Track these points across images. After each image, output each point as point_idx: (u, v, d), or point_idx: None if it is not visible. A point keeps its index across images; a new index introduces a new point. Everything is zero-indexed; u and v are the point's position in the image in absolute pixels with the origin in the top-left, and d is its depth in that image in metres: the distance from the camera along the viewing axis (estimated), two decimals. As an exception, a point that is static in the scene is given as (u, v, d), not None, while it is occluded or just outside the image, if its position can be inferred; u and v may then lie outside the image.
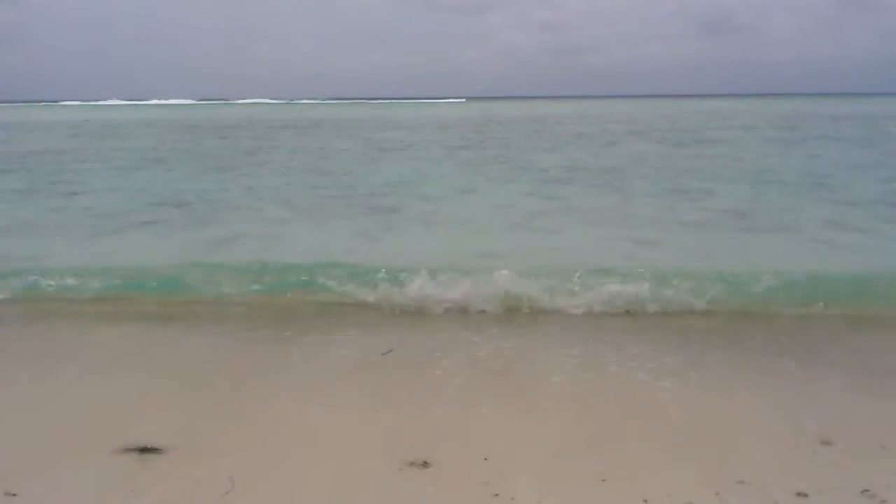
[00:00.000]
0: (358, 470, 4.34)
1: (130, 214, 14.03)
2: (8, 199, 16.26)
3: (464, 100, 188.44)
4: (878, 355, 6.43)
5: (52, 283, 8.27)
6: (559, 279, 8.02)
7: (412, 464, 4.38)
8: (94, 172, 21.67)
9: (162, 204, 15.31)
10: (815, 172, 19.11)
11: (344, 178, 19.36)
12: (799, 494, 4.00)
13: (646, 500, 3.96)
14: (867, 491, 4.03)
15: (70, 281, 8.36)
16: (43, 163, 24.38)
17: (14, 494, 4.04)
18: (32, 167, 22.97)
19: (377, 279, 8.01)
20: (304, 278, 8.44)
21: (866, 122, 44.94)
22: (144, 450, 4.56)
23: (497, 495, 4.02)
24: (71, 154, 27.96)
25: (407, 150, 28.46)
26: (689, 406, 5.25)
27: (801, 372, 5.99)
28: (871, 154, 24.05)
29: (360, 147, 30.49)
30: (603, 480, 4.19)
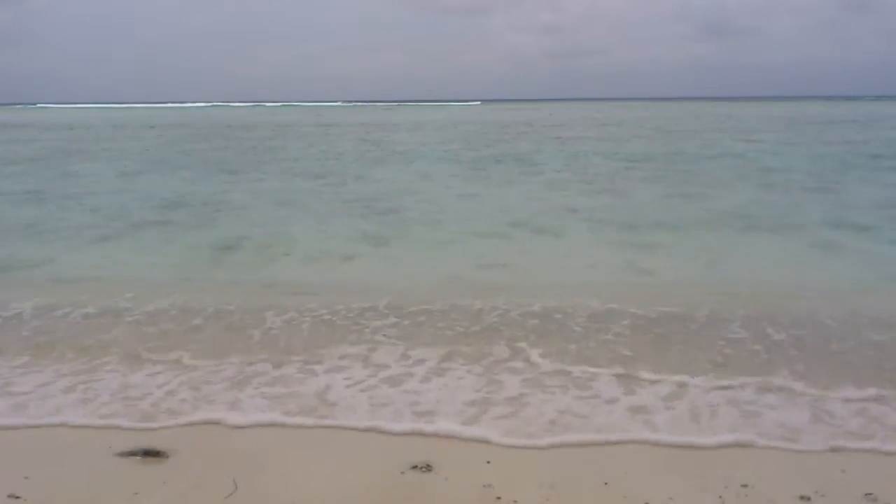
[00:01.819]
0: (361, 473, 4.33)
1: (138, 214, 14.11)
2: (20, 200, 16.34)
3: (479, 103, 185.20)
4: (883, 358, 6.41)
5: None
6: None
7: (415, 467, 4.38)
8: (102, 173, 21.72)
9: (168, 206, 15.34)
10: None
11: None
12: (802, 498, 4.00)
13: (647, 503, 3.96)
14: (870, 495, 4.02)
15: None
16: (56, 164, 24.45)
17: (17, 497, 4.04)
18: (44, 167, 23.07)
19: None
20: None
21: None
22: (147, 453, 4.56)
23: (499, 499, 4.02)
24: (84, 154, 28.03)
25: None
26: (691, 408, 5.24)
27: (804, 375, 5.97)
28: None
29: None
30: (605, 484, 4.18)
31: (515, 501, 3.99)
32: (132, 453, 4.56)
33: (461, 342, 6.70)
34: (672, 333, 6.90)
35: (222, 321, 7.38)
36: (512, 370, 6.02)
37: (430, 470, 4.34)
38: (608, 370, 5.98)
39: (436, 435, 4.84)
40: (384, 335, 6.88)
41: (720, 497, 4.01)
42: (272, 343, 6.76)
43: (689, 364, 6.12)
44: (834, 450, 4.60)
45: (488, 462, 4.42)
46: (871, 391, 5.52)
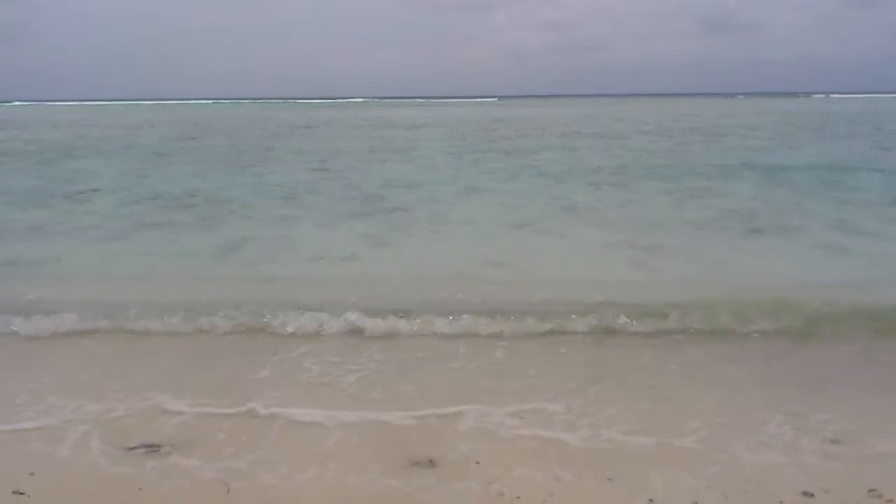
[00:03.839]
0: (363, 469, 4.35)
1: (141, 214, 14.14)
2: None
3: (496, 99, 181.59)
4: (886, 355, 6.40)
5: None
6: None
7: (417, 463, 4.39)
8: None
9: (172, 204, 15.35)
10: None
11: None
12: (805, 494, 4.00)
13: (651, 500, 3.96)
14: (874, 491, 4.02)
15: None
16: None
17: (22, 493, 4.06)
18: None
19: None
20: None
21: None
22: (151, 449, 4.58)
23: (502, 494, 4.03)
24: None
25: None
26: (694, 406, 5.25)
27: (808, 372, 5.98)
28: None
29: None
30: (608, 480, 4.19)
31: (518, 497, 4.00)
32: (136, 449, 4.58)
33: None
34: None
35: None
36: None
37: (432, 466, 4.36)
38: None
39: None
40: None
41: (723, 493, 4.02)
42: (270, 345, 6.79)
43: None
44: (835, 443, 4.61)
45: (491, 458, 4.43)
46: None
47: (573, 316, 7.12)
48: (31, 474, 4.28)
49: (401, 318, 7.20)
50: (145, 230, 12.57)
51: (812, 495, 3.98)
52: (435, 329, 6.99)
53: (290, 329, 7.03)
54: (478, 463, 4.39)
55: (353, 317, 7.18)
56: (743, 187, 16.71)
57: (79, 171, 21.97)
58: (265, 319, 7.22)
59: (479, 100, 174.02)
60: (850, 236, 11.40)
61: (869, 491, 4.02)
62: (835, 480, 4.14)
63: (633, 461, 4.41)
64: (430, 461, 4.40)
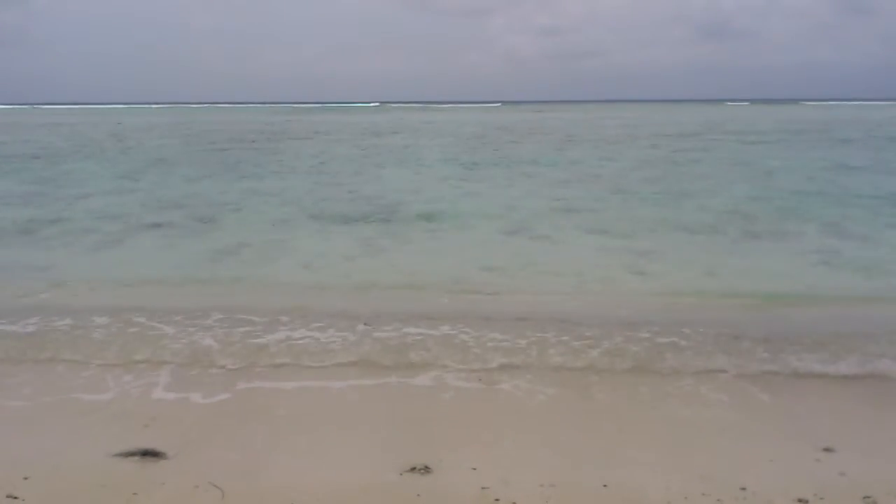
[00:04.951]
0: (358, 475, 4.33)
1: (137, 217, 14.13)
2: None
3: (499, 104, 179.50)
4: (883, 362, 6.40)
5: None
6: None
7: (413, 469, 4.38)
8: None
9: (168, 207, 15.35)
10: None
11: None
12: (800, 501, 3.99)
13: (647, 506, 3.96)
14: (868, 497, 4.02)
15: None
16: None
17: (16, 497, 4.05)
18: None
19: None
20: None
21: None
22: (145, 453, 4.56)
23: (498, 500, 4.02)
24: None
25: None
26: (691, 413, 5.25)
27: (803, 380, 5.98)
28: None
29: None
30: (604, 486, 4.18)
31: (514, 503, 3.99)
32: (131, 454, 4.57)
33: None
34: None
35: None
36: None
37: (428, 472, 4.35)
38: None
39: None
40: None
41: (718, 500, 4.01)
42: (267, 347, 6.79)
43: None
44: (829, 450, 4.61)
45: (487, 464, 4.42)
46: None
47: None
48: (26, 478, 4.27)
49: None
50: (142, 234, 12.57)
51: (806, 502, 3.98)
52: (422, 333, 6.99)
53: (286, 336, 7.03)
54: (475, 468, 4.39)
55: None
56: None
57: (75, 173, 21.99)
58: (264, 326, 7.23)
59: (480, 105, 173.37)
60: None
61: (864, 497, 4.01)
62: (829, 487, 4.14)
63: (629, 467, 4.40)
64: (427, 467, 4.39)
